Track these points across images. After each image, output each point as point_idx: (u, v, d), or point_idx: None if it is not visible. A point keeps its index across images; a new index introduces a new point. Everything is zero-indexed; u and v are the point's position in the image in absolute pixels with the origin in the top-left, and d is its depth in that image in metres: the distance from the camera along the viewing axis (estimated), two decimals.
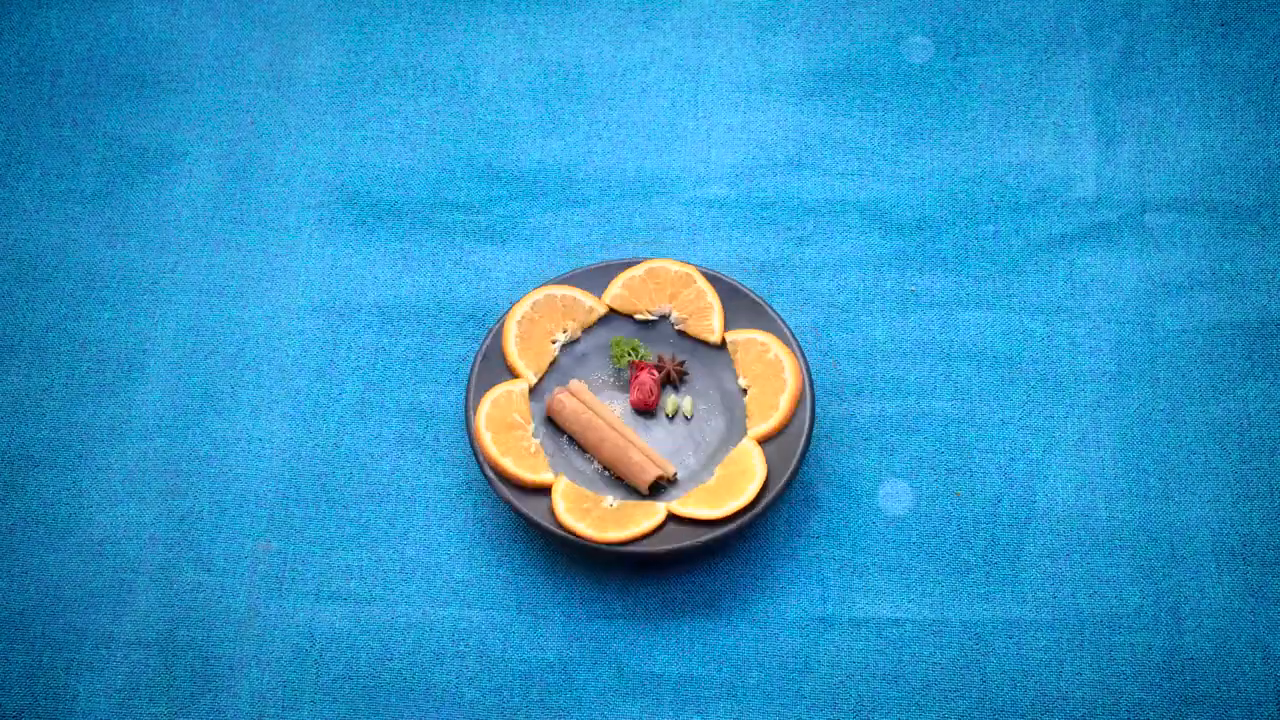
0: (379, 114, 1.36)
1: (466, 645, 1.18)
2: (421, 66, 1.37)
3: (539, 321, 1.23)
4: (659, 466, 1.18)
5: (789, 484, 1.17)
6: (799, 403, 1.20)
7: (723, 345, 1.23)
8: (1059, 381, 1.25)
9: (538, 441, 1.20)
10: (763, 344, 1.21)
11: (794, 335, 1.22)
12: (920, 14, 1.38)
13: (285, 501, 1.22)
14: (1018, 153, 1.33)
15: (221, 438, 1.24)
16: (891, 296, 1.28)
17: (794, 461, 1.17)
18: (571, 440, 1.21)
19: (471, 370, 1.21)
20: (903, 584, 1.19)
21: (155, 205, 1.32)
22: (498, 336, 1.22)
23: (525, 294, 1.24)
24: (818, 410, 1.24)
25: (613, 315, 1.25)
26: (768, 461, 1.18)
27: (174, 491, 1.22)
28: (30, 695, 1.16)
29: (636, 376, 1.21)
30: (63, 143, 1.34)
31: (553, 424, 1.22)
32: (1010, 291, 1.28)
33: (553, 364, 1.23)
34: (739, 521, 1.15)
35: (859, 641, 1.17)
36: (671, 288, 1.24)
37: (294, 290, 1.29)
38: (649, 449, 1.19)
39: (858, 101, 1.35)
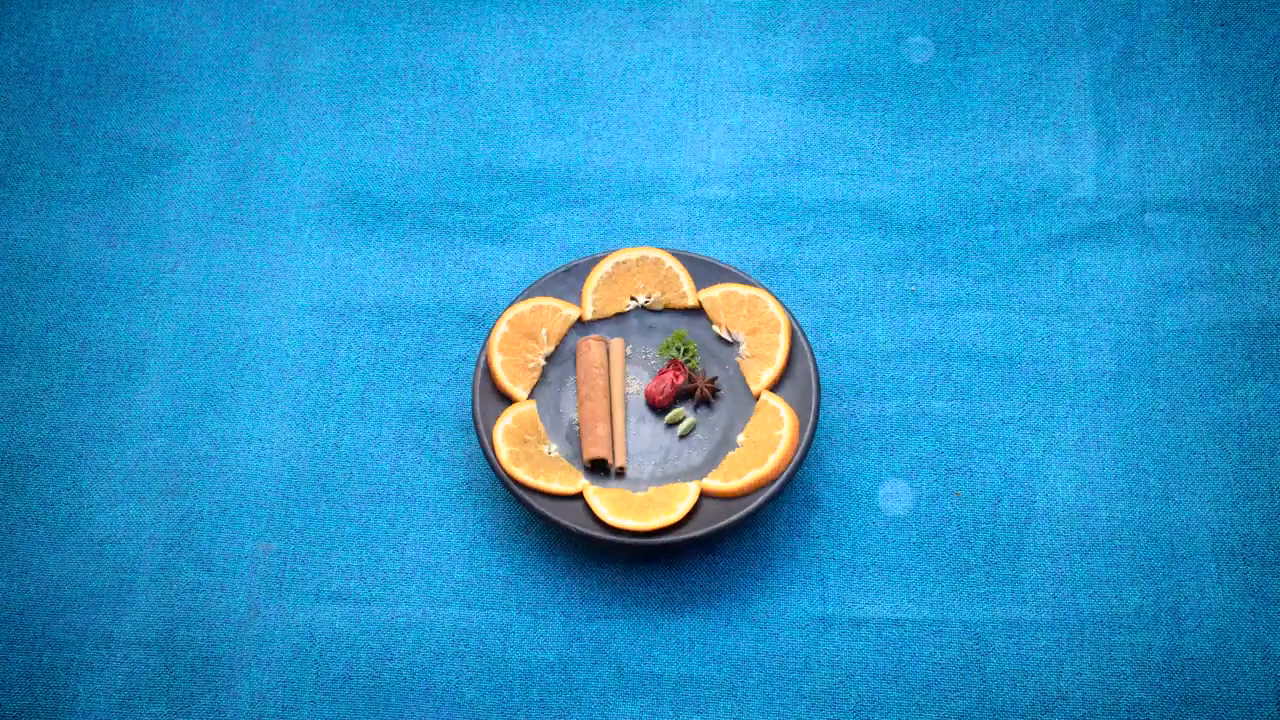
0: (379, 114, 1.36)
1: (466, 645, 1.18)
2: (421, 66, 1.37)
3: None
4: (612, 454, 1.18)
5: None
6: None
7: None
8: (1059, 381, 1.25)
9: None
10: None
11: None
12: (920, 14, 1.38)
13: (285, 501, 1.22)
14: (1018, 153, 1.33)
15: (221, 438, 1.24)
16: (891, 296, 1.28)
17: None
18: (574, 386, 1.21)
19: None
20: (903, 584, 1.19)
21: (155, 205, 1.32)
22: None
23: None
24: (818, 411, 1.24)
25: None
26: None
27: (174, 491, 1.22)
28: (30, 695, 1.16)
29: (664, 372, 1.21)
30: (63, 143, 1.34)
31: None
32: (1010, 291, 1.28)
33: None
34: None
35: (859, 641, 1.17)
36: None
37: (294, 290, 1.29)
38: (620, 434, 1.19)
39: (858, 101, 1.35)
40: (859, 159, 1.33)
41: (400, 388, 1.26)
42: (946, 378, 1.25)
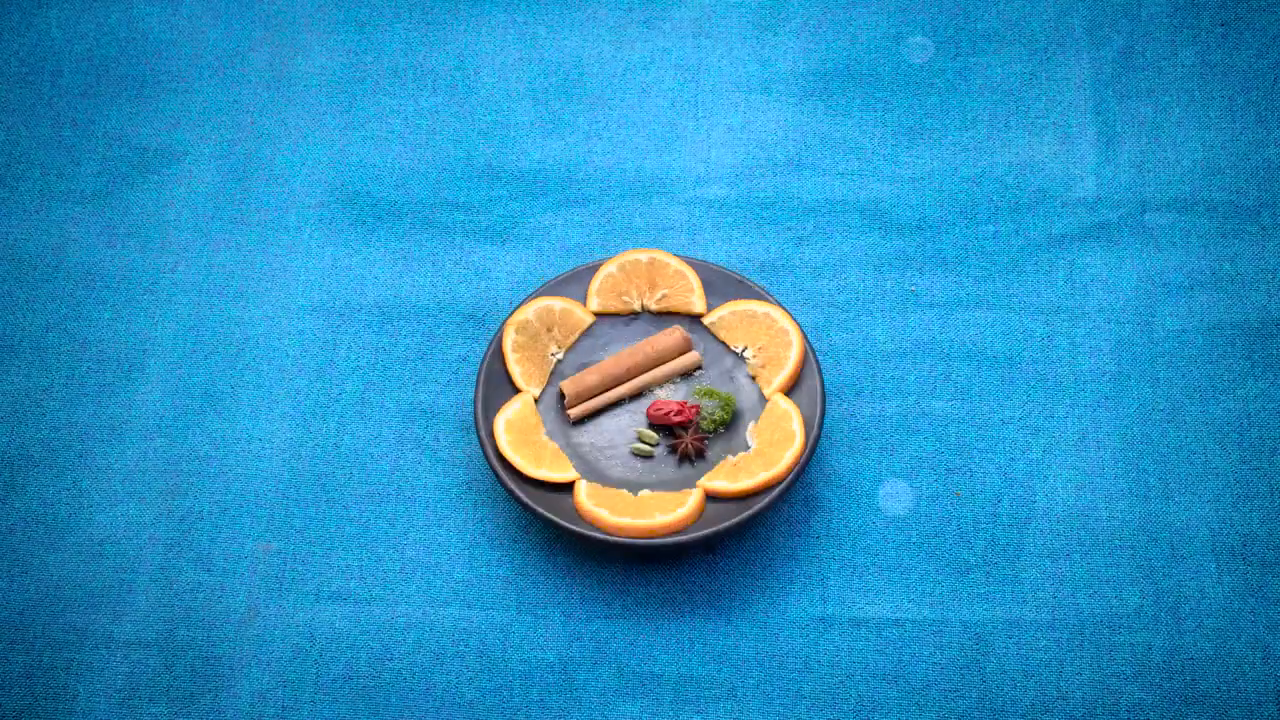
0: (379, 114, 1.36)
1: (466, 645, 1.18)
2: (421, 66, 1.37)
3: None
4: (576, 401, 1.20)
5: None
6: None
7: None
8: (1059, 381, 1.25)
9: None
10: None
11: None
12: (920, 14, 1.38)
13: (285, 501, 1.22)
14: (1018, 153, 1.33)
15: (221, 438, 1.24)
16: (891, 296, 1.28)
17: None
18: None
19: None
20: (903, 584, 1.19)
21: (155, 205, 1.32)
22: (497, 354, 1.22)
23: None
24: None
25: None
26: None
27: (174, 491, 1.22)
28: (30, 695, 1.16)
29: (680, 404, 1.20)
30: (63, 143, 1.34)
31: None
32: (1010, 291, 1.28)
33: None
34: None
35: (859, 641, 1.17)
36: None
37: (294, 290, 1.29)
38: (601, 400, 1.21)
39: (858, 101, 1.35)
40: (859, 159, 1.33)
41: (400, 388, 1.26)
42: (946, 378, 1.25)
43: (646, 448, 1.20)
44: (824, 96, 1.36)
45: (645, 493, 1.18)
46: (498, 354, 1.22)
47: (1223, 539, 1.20)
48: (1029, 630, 1.17)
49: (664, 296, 1.24)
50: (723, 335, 1.23)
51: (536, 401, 1.22)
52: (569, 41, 1.38)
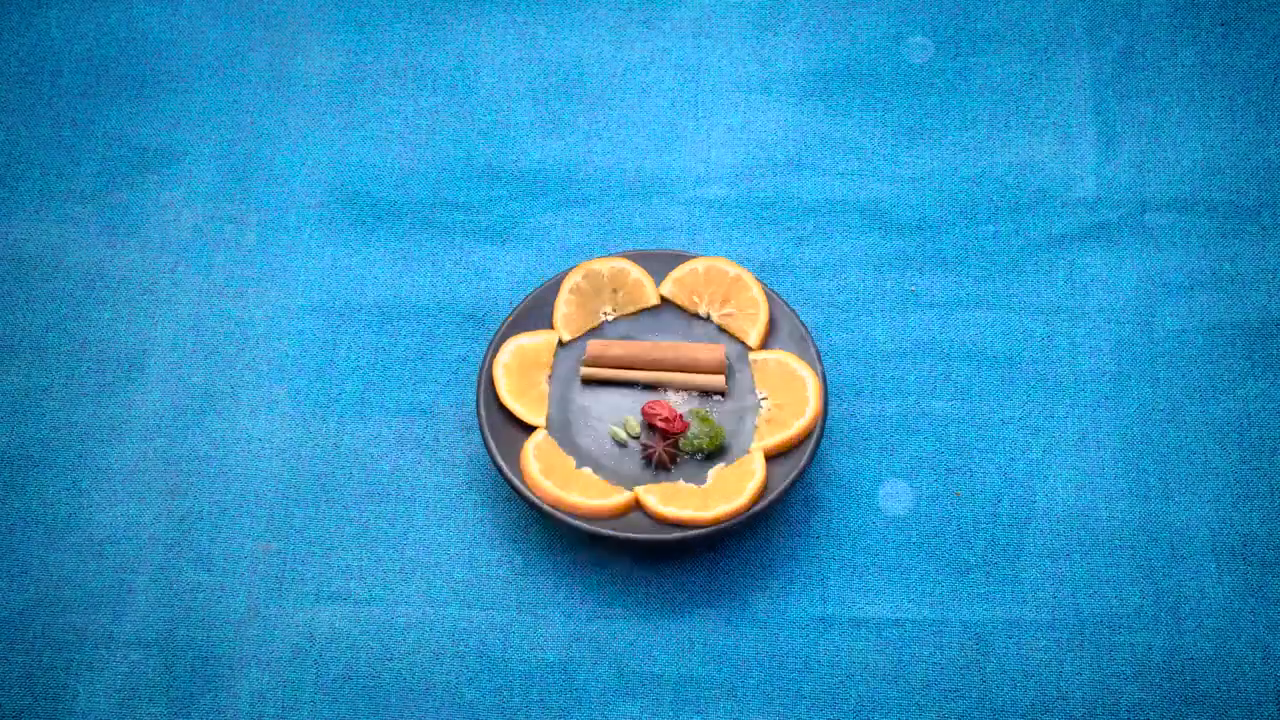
0: (379, 114, 1.36)
1: (466, 645, 1.18)
2: (421, 67, 1.37)
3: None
4: (582, 346, 1.21)
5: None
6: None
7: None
8: (1059, 381, 1.25)
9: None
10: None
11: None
12: (920, 14, 1.38)
13: (285, 501, 1.22)
14: (1018, 153, 1.33)
15: (221, 438, 1.24)
16: (892, 296, 1.28)
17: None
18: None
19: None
20: (903, 584, 1.19)
21: (155, 205, 1.32)
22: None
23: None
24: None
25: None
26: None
27: (174, 491, 1.22)
28: (30, 695, 1.16)
29: (672, 413, 1.20)
30: (63, 143, 1.34)
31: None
32: (1010, 291, 1.28)
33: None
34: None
35: (859, 641, 1.17)
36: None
37: (294, 290, 1.29)
38: (612, 365, 1.22)
39: (858, 101, 1.35)
40: (859, 159, 1.33)
41: (400, 388, 1.26)
42: (946, 378, 1.25)
43: (623, 435, 1.20)
44: (824, 96, 1.36)
45: (586, 470, 1.18)
46: (554, 288, 1.22)
47: (1223, 539, 1.20)
48: (1029, 630, 1.17)
49: (728, 315, 1.23)
50: (756, 375, 1.22)
51: (561, 346, 1.22)
52: (569, 41, 1.38)
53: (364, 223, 1.31)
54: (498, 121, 1.35)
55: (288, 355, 1.27)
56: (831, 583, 1.19)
